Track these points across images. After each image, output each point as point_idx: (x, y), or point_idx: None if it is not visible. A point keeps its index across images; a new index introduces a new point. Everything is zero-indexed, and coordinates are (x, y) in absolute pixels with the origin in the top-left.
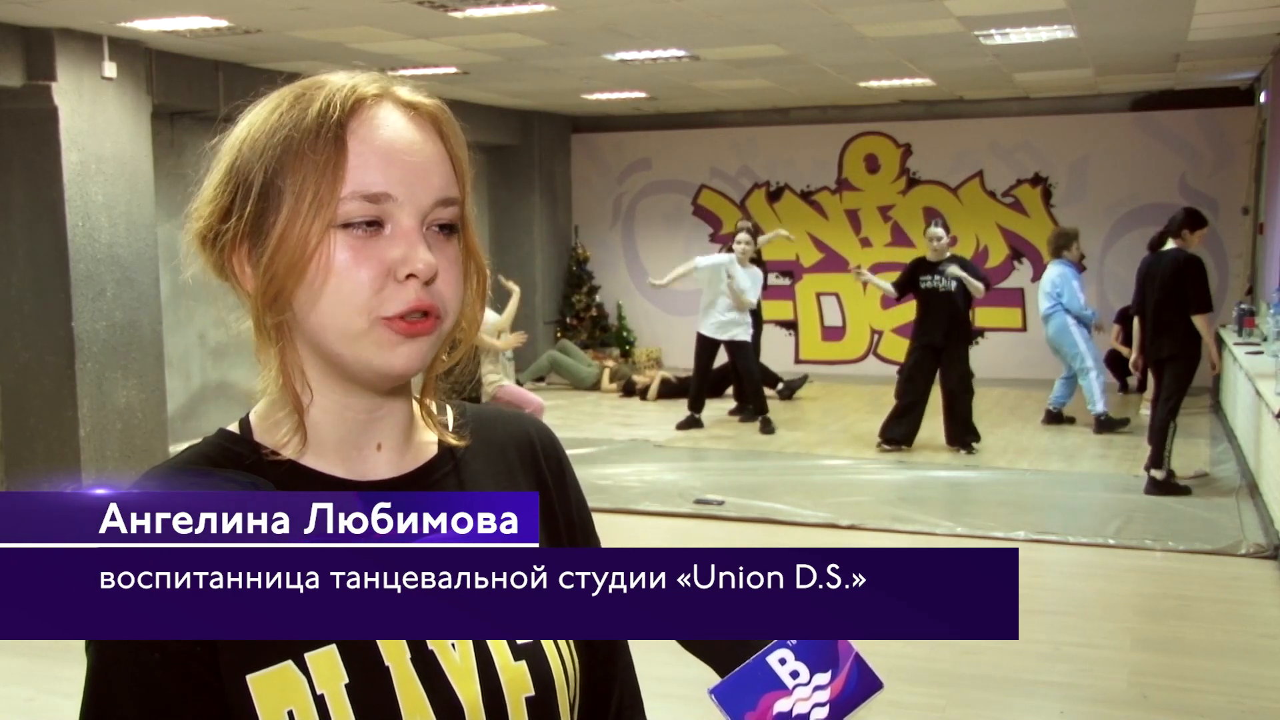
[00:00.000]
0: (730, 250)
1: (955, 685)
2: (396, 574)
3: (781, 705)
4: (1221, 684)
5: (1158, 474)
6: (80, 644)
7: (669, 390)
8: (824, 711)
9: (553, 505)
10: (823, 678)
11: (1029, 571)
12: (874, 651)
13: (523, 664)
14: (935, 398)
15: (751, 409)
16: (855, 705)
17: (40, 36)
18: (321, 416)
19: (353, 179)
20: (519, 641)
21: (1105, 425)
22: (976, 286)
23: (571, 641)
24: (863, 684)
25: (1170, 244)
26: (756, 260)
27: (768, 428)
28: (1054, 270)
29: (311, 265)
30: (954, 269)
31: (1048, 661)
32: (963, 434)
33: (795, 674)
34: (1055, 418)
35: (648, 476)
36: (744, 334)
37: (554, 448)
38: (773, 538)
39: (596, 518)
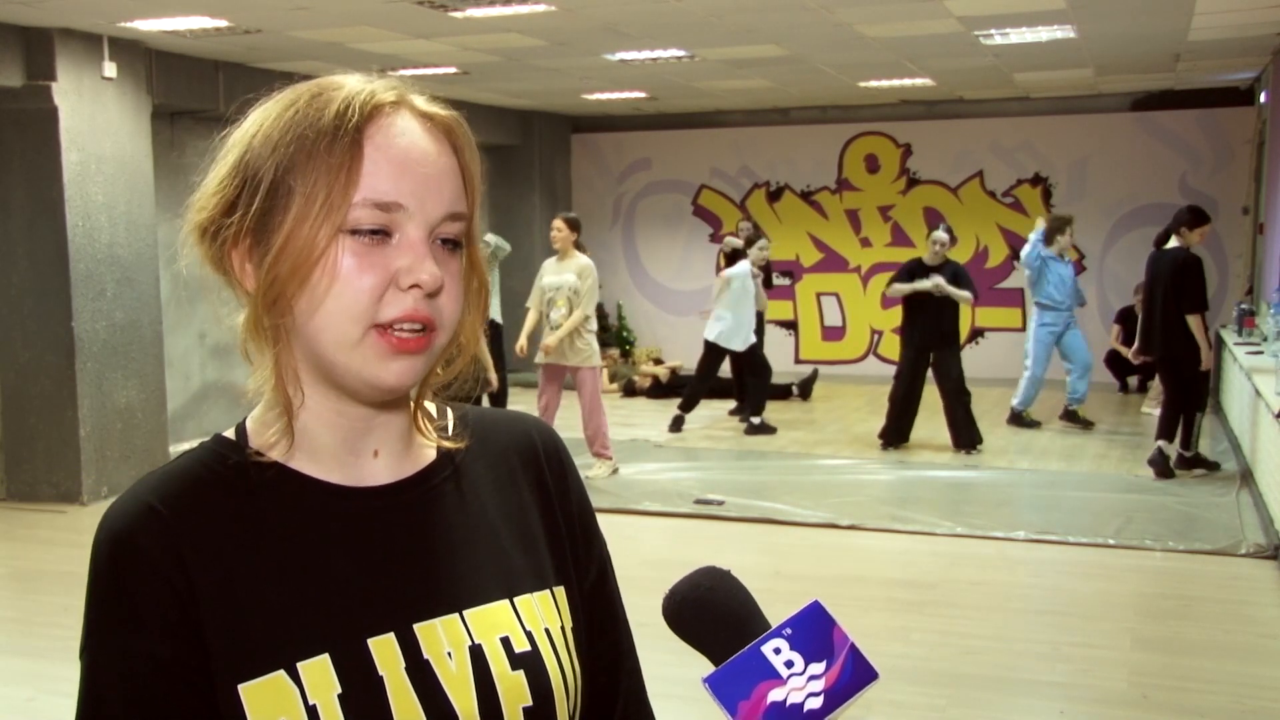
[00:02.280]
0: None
1: (955, 685)
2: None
3: (775, 694)
4: (1221, 684)
5: (1187, 452)
6: (80, 645)
7: (668, 387)
8: (818, 701)
9: (555, 510)
10: (817, 667)
11: (1029, 571)
12: (874, 651)
13: (520, 674)
14: (933, 398)
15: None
16: (850, 695)
17: (40, 36)
18: (317, 422)
19: (365, 185)
20: (517, 650)
21: (1016, 419)
22: (963, 296)
23: (573, 650)
24: (858, 674)
25: (1173, 241)
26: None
27: (765, 429)
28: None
29: (316, 269)
30: (938, 281)
31: (1048, 661)
32: (968, 436)
33: (790, 663)
34: (1072, 416)
35: (648, 476)
36: (752, 338)
37: (556, 448)
38: (773, 537)
39: (597, 518)
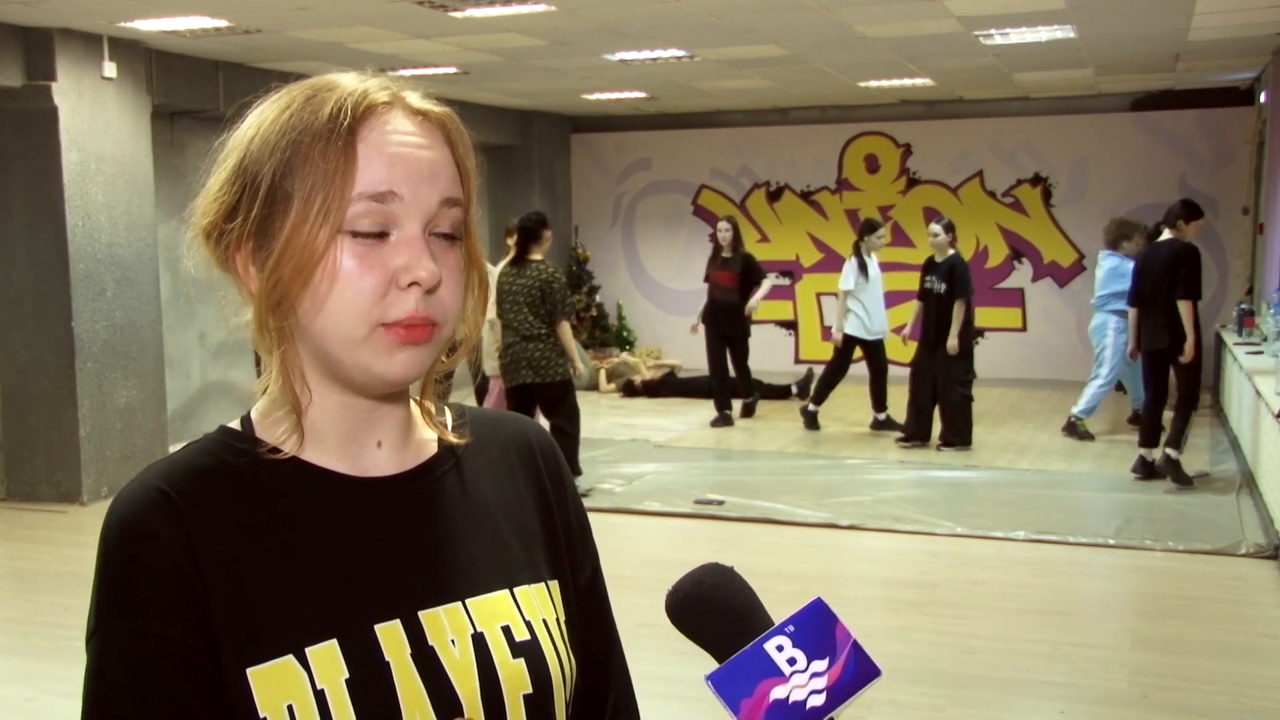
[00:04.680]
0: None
1: (955, 685)
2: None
3: (778, 692)
4: (1221, 684)
5: (1174, 453)
6: (81, 645)
7: (669, 388)
8: (821, 698)
9: (551, 508)
10: (820, 664)
11: (1029, 571)
12: (874, 651)
13: (521, 662)
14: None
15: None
16: (853, 692)
17: (40, 36)
18: (322, 415)
19: (360, 181)
20: (518, 639)
21: (1071, 429)
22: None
23: (568, 641)
24: (860, 671)
25: (1166, 234)
26: (747, 258)
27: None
28: (1108, 264)
29: (317, 271)
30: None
31: (1048, 661)
32: (954, 435)
33: (792, 661)
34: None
35: (648, 476)
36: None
37: (552, 451)
38: (773, 538)
39: (597, 518)
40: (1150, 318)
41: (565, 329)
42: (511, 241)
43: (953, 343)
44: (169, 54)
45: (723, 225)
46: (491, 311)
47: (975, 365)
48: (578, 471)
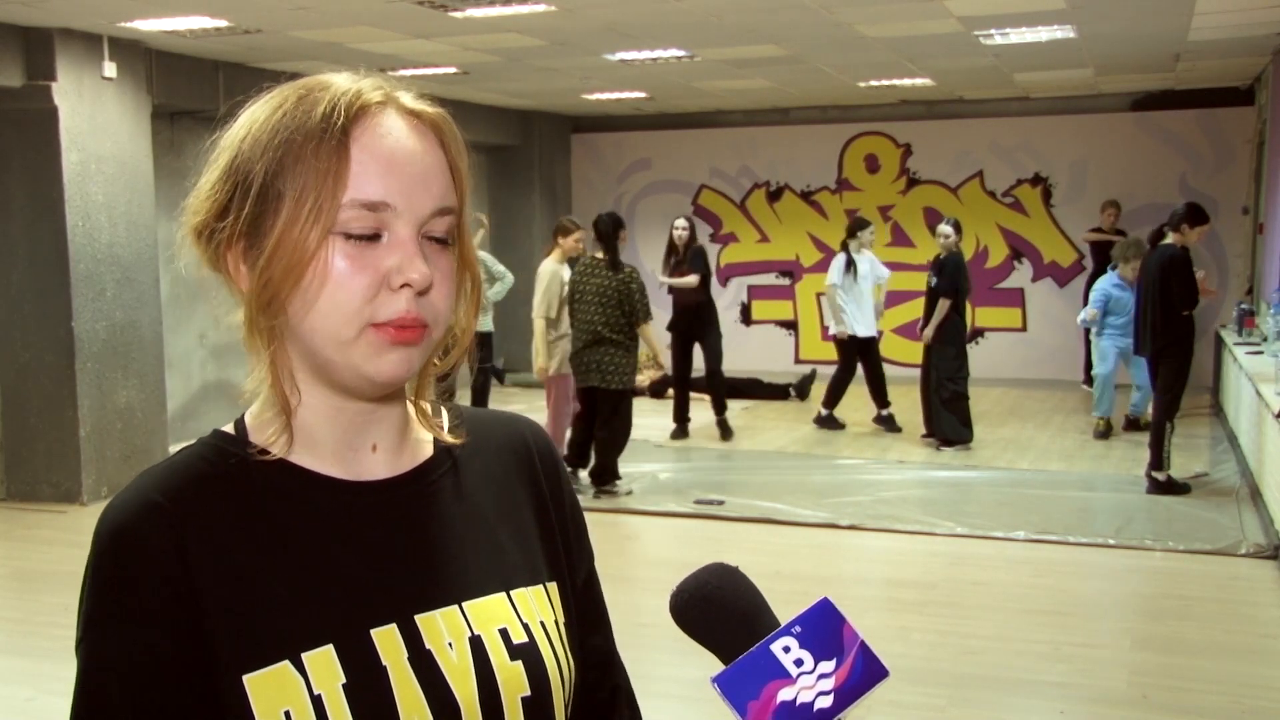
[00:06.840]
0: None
1: (955, 685)
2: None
3: (785, 694)
4: (1221, 684)
5: (1159, 475)
6: (76, 637)
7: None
8: (829, 700)
9: (548, 509)
10: (827, 665)
11: (1029, 571)
12: (874, 651)
13: (519, 664)
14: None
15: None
16: (861, 693)
17: (40, 36)
18: (315, 418)
19: (353, 186)
20: (515, 641)
21: (1102, 435)
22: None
23: (567, 643)
24: (868, 672)
25: (1169, 238)
26: (698, 252)
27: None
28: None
29: (308, 271)
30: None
31: (1048, 661)
32: (948, 431)
33: (799, 662)
34: (1134, 424)
35: (648, 476)
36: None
37: (549, 451)
38: (773, 537)
39: (597, 517)
40: (1145, 323)
41: (648, 330)
42: (567, 241)
43: (927, 333)
44: (169, 54)
45: (680, 223)
46: (541, 308)
47: (971, 364)
48: (617, 475)
